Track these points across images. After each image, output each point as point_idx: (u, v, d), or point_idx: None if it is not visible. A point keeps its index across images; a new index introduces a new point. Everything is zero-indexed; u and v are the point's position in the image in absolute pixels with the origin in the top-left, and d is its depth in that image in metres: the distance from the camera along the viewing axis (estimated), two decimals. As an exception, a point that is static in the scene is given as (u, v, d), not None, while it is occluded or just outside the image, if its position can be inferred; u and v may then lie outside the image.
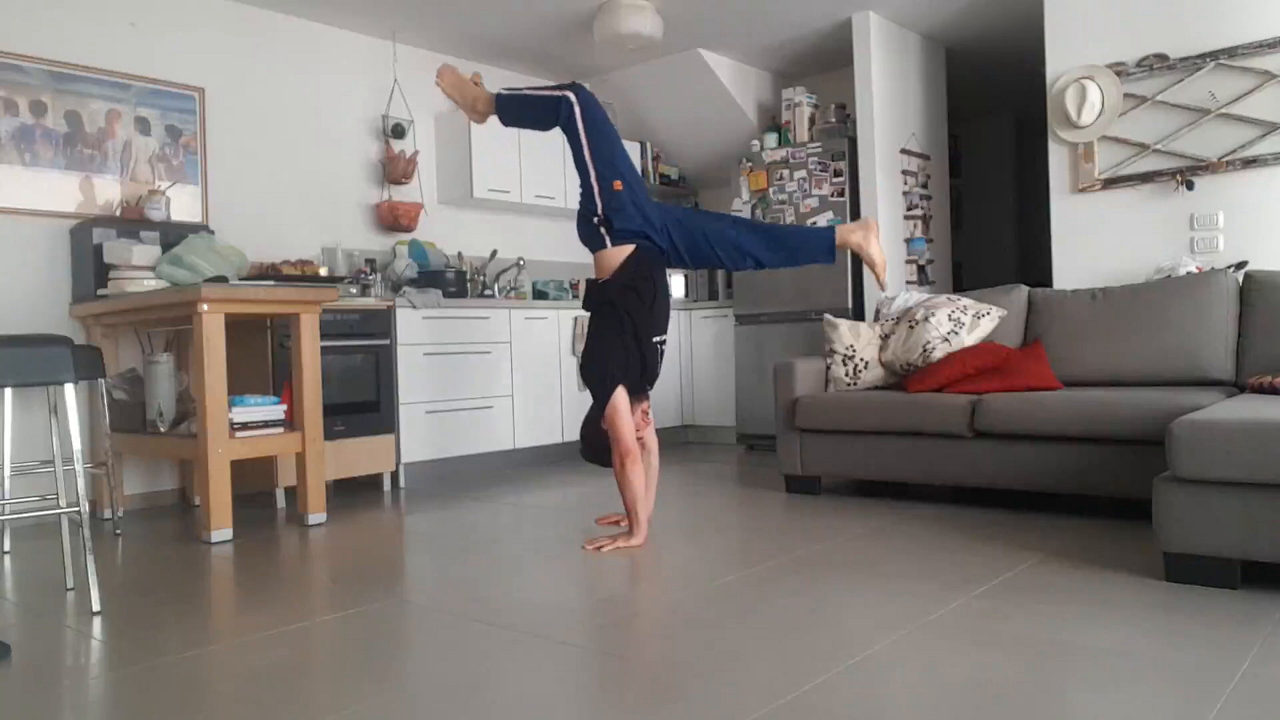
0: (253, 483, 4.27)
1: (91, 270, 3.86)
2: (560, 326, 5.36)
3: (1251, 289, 3.50)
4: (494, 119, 3.30)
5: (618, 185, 3.02)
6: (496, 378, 4.98)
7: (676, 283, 6.44)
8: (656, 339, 3.10)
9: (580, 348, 5.45)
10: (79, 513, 2.47)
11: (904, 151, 5.43)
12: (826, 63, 6.00)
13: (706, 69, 5.70)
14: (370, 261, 4.98)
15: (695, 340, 6.09)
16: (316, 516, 3.66)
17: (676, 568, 2.74)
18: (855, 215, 5.33)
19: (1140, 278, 4.14)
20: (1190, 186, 4.05)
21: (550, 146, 5.66)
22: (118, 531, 3.61)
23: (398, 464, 4.56)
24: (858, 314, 5.30)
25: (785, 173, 5.56)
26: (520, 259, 5.70)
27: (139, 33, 4.28)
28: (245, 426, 3.53)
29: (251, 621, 2.33)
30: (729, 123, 6.06)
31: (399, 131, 5.17)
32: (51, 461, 3.70)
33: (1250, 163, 3.93)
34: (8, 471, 2.95)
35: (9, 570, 3.05)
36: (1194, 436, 2.30)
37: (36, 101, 3.96)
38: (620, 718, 1.64)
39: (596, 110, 3.07)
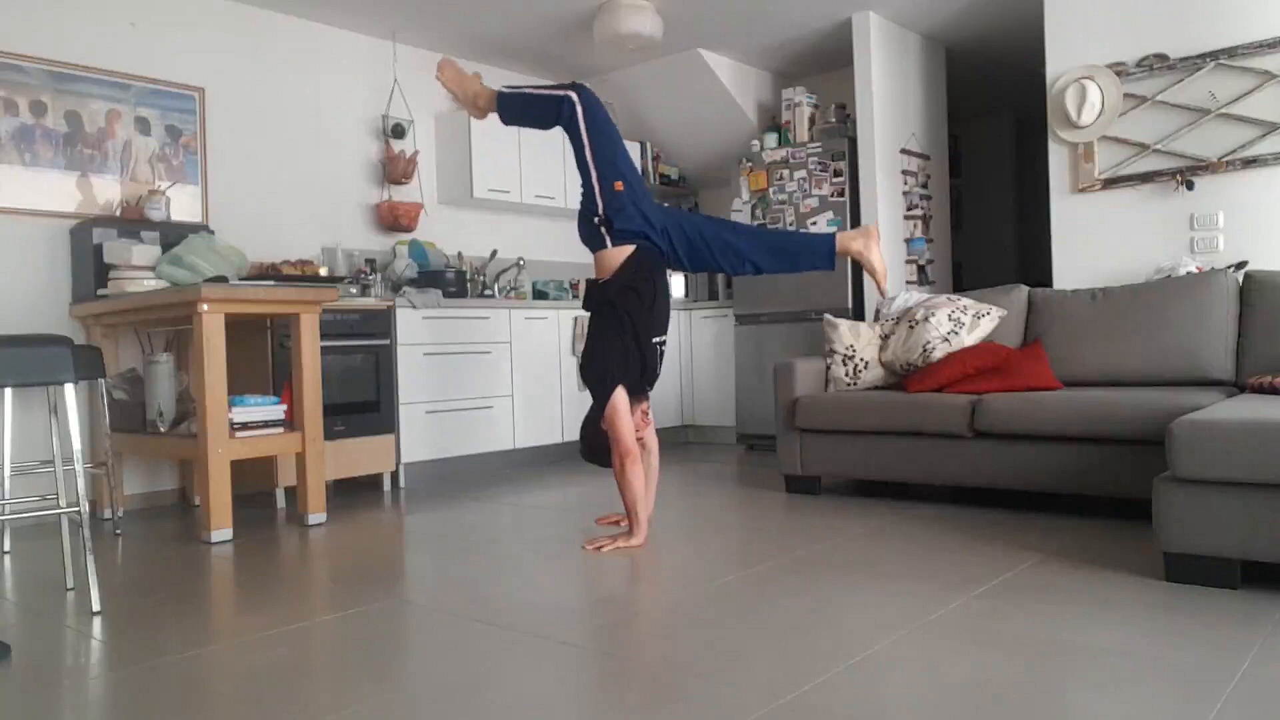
0: (253, 483, 4.27)
1: (91, 270, 3.86)
2: (560, 326, 5.36)
3: (1251, 289, 3.50)
4: (494, 116, 3.30)
5: (619, 186, 3.02)
6: (496, 378, 4.98)
7: (676, 283, 6.44)
8: (656, 339, 3.10)
9: (580, 348, 5.45)
10: (79, 513, 2.47)
11: (904, 151, 5.43)
12: (826, 63, 6.00)
13: (706, 69, 5.70)
14: (370, 261, 4.98)
15: (695, 340, 6.09)
16: (316, 516, 3.66)
17: (676, 568, 2.74)
18: (855, 215, 5.33)
19: (1140, 278, 4.14)
20: (1190, 186, 4.05)
21: (550, 146, 5.66)
22: (118, 531, 3.61)
23: (398, 464, 4.56)
24: (858, 314, 5.30)
25: (785, 173, 5.56)
26: (520, 259, 5.70)
27: (139, 33, 4.28)
28: (245, 426, 3.53)
29: (251, 621, 2.33)
30: (729, 123, 6.06)
31: (399, 131, 5.17)
32: (51, 461, 3.70)
33: (1250, 163, 3.93)
34: (8, 471, 2.95)
35: (9, 570, 3.05)
36: (1194, 436, 2.30)
37: (36, 101, 3.96)
38: (620, 718, 1.64)
39: (599, 110, 3.07)
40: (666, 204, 5.74)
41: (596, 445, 3.12)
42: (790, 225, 5.54)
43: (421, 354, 4.64)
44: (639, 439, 3.12)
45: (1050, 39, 4.45)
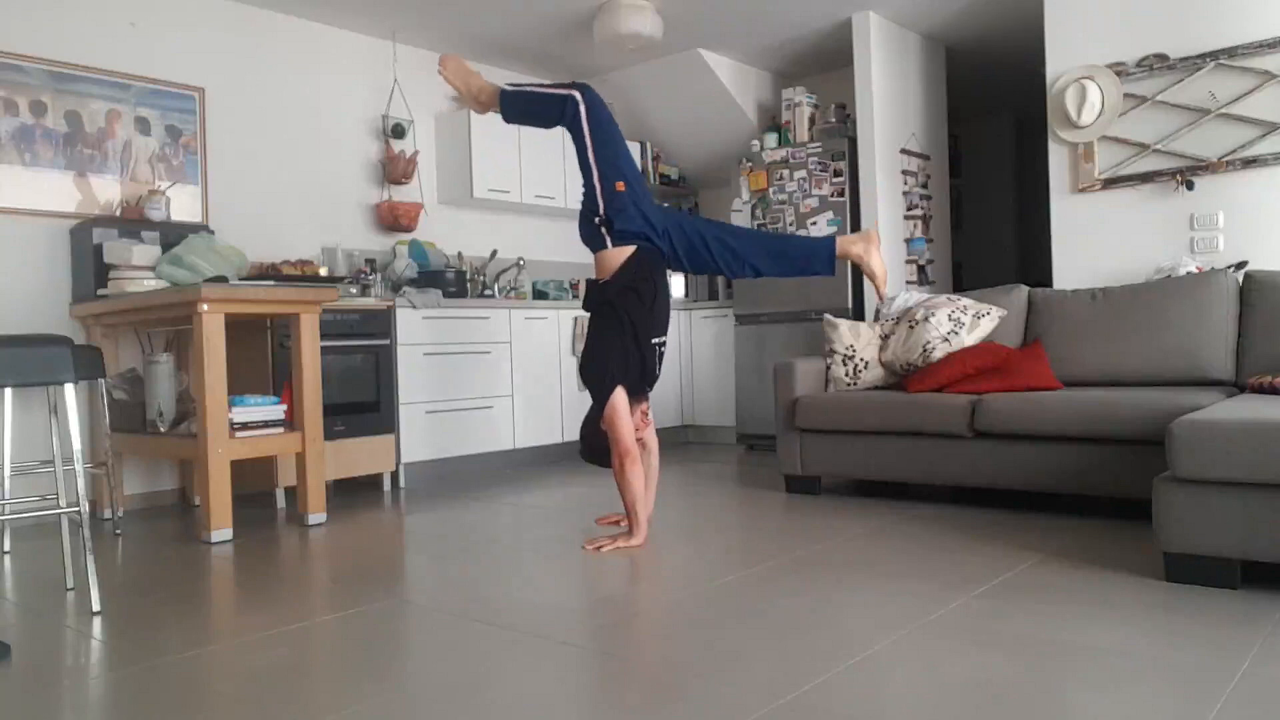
0: (253, 483, 4.27)
1: (91, 270, 3.86)
2: (560, 326, 5.36)
3: (1251, 289, 3.50)
4: (495, 114, 3.29)
5: (620, 186, 3.02)
6: (496, 378, 4.98)
7: (676, 283, 6.44)
8: (656, 340, 3.10)
9: (580, 348, 5.45)
10: (79, 513, 2.47)
11: (904, 151, 5.43)
12: (826, 63, 6.00)
13: (706, 69, 5.70)
14: (370, 261, 4.98)
15: (695, 340, 6.09)
16: (316, 516, 3.66)
17: (676, 568, 2.74)
18: (855, 215, 5.33)
19: (1140, 278, 4.14)
20: (1190, 186, 4.05)
21: (550, 146, 5.66)
22: (118, 531, 3.61)
23: (398, 464, 4.56)
24: (858, 314, 5.30)
25: (785, 173, 5.56)
26: (520, 259, 5.70)
27: (139, 33, 4.28)
28: (245, 426, 3.53)
29: (251, 621, 2.33)
30: (729, 123, 6.06)
31: (399, 131, 5.17)
32: (51, 461, 3.70)
33: (1250, 163, 3.93)
34: (8, 471, 2.95)
35: (9, 570, 3.05)
36: (1194, 436, 2.30)
37: (36, 101, 3.96)
38: (620, 718, 1.64)
39: (602, 111, 3.06)
40: (666, 204, 5.75)
41: (596, 445, 3.12)
42: (790, 225, 5.54)
43: (421, 354, 4.64)
44: (639, 439, 3.12)
45: (1050, 39, 4.45)
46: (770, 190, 5.62)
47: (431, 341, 4.67)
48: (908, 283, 5.42)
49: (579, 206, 3.20)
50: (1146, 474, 2.99)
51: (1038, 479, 3.25)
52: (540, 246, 6.06)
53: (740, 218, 5.70)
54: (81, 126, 4.08)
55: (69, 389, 2.52)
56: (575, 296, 5.91)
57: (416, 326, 4.61)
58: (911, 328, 3.91)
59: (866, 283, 5.23)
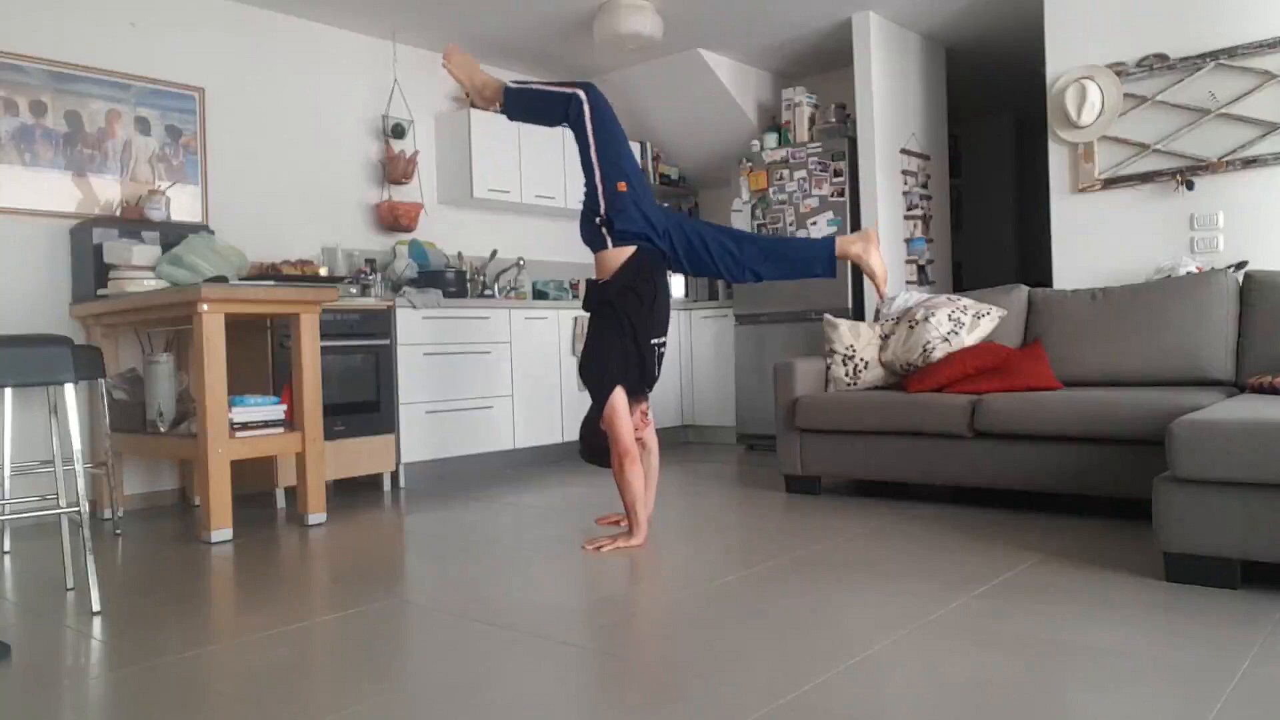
0: (253, 483, 4.27)
1: (91, 270, 3.86)
2: (560, 326, 5.36)
3: (1251, 289, 3.50)
4: (497, 110, 3.28)
5: (622, 186, 3.02)
6: (496, 378, 4.98)
7: (676, 283, 6.44)
8: (655, 341, 3.10)
9: (580, 348, 5.45)
10: (79, 513, 2.47)
11: (904, 151, 5.43)
12: (826, 63, 6.00)
13: (706, 69, 5.70)
14: (370, 261, 4.98)
15: (695, 340, 6.09)
16: (316, 516, 3.66)
17: (676, 568, 2.74)
18: (855, 215, 5.33)
19: (1140, 278, 4.14)
20: (1190, 186, 4.05)
21: (550, 146, 5.66)
22: (118, 531, 3.61)
23: (398, 464, 4.56)
24: (858, 314, 5.30)
25: (785, 173, 5.56)
26: (520, 259, 5.70)
27: (139, 33, 4.28)
28: (245, 426, 3.53)
29: (251, 621, 2.33)
30: (729, 123, 6.06)
31: (399, 131, 5.17)
32: (51, 461, 3.70)
33: (1250, 163, 3.93)
34: (8, 471, 2.95)
35: (9, 570, 3.05)
36: (1194, 436, 2.30)
37: (36, 101, 3.96)
38: (620, 718, 1.64)
39: (606, 110, 3.06)
40: (666, 205, 5.75)
41: (596, 445, 3.12)
42: (790, 225, 5.54)
43: (421, 354, 4.64)
44: (639, 439, 3.11)
45: (1050, 39, 4.45)
46: (770, 190, 5.62)
47: (431, 341, 4.67)
48: (908, 283, 5.42)
49: (579, 206, 3.19)
50: (1146, 474, 2.99)
51: (1038, 479, 3.25)
52: (540, 246, 6.06)
53: (740, 218, 5.70)
54: (81, 126, 4.08)
55: (69, 389, 2.52)
56: (575, 296, 5.91)
57: (416, 326, 4.61)
58: (911, 328, 3.91)
59: (867, 283, 5.23)
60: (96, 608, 2.46)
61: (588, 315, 3.15)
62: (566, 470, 4.96)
